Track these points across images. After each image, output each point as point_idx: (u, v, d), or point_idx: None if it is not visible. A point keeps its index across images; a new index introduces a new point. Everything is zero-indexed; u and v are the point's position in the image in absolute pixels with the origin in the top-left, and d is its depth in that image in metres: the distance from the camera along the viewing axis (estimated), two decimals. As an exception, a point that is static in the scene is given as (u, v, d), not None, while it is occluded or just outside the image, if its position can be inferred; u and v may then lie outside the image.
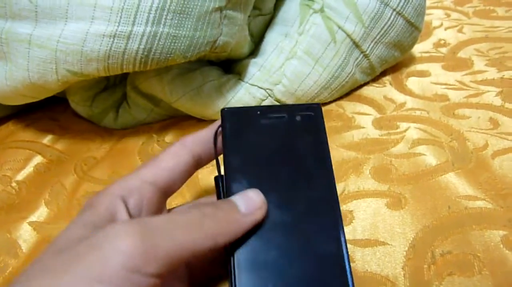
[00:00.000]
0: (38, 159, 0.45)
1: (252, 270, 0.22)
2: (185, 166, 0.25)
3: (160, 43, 0.34)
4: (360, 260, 0.29)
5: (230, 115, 0.27)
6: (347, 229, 0.31)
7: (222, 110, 0.27)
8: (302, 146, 0.26)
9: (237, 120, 0.27)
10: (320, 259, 0.23)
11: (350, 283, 0.22)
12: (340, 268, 0.23)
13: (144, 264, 0.18)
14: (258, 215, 0.22)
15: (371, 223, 0.31)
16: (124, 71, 0.36)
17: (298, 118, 0.27)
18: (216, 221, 0.21)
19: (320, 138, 0.26)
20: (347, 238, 0.30)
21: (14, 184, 0.42)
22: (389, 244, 0.30)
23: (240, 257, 0.22)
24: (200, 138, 0.26)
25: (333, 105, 0.46)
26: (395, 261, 0.28)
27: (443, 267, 0.28)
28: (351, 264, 0.28)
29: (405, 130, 0.40)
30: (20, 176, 0.43)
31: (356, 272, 0.28)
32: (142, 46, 0.34)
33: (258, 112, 0.27)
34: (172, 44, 0.34)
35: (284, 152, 0.25)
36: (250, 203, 0.23)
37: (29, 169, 0.44)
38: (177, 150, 0.25)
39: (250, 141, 0.26)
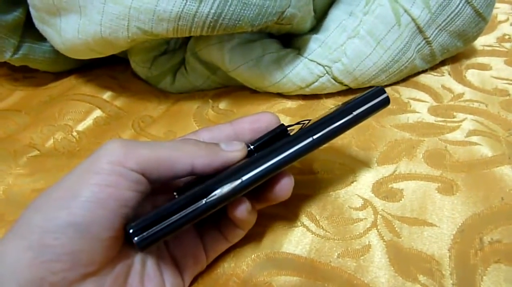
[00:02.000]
0: (97, 113, 0.47)
1: None
2: None
3: (231, 9, 0.35)
4: (407, 237, 0.29)
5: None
6: (395, 206, 0.32)
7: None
8: None
9: None
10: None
11: None
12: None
13: (126, 160, 0.22)
14: (237, 154, 0.26)
15: (420, 203, 0.32)
16: (192, 34, 0.37)
17: None
18: (197, 147, 0.25)
19: None
20: (395, 213, 0.31)
21: (74, 133, 0.44)
22: (437, 226, 0.30)
23: None
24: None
25: (388, 89, 0.46)
26: (442, 243, 0.29)
27: (491, 254, 0.28)
28: (397, 239, 0.29)
29: (461, 121, 0.40)
30: (81, 127, 0.45)
31: (401, 248, 0.29)
32: (213, 11, 0.35)
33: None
34: (242, 11, 0.35)
35: None
36: (231, 145, 0.26)
37: (89, 121, 0.46)
38: None
39: None
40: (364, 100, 0.27)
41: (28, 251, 0.20)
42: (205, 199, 0.23)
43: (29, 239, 0.20)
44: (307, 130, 0.25)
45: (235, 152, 0.26)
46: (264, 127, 0.28)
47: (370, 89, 0.27)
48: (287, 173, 0.26)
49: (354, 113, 0.26)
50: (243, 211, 0.25)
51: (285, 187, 0.26)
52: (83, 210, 0.21)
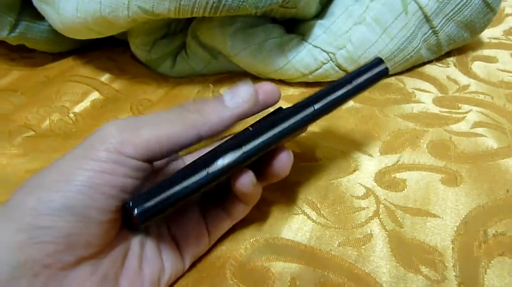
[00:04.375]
0: (95, 95, 0.46)
1: None
2: None
3: (235, -11, 0.34)
4: (409, 227, 0.29)
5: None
6: (398, 195, 0.31)
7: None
8: None
9: None
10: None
11: None
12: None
13: (123, 147, 0.21)
14: (244, 107, 0.23)
15: (424, 194, 0.31)
16: (194, 15, 0.36)
17: None
18: (198, 113, 0.23)
19: None
20: (397, 203, 0.30)
21: (71, 115, 0.43)
22: (440, 217, 0.29)
23: None
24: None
25: (393, 79, 0.45)
26: (445, 234, 0.28)
27: (495, 246, 0.27)
28: (400, 229, 0.28)
29: (466, 112, 0.39)
30: (78, 108, 0.44)
31: (404, 238, 0.28)
32: (216, -10, 0.34)
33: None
34: (246, -9, 0.34)
35: None
36: (236, 95, 0.24)
37: (86, 102, 0.45)
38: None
39: None
40: (364, 70, 0.27)
41: (20, 233, 0.19)
42: (207, 169, 0.22)
43: (22, 221, 0.19)
44: (308, 101, 0.25)
45: (243, 105, 0.23)
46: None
47: (369, 61, 0.28)
48: (285, 148, 0.25)
49: (354, 82, 0.26)
50: (248, 183, 0.24)
51: (284, 162, 0.25)
52: (78, 194, 0.20)
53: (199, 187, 0.22)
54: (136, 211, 0.21)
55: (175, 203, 0.22)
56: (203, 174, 0.22)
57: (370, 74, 0.27)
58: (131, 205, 0.21)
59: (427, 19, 0.42)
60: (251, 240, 0.29)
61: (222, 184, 0.25)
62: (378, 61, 0.27)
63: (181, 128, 0.22)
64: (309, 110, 0.25)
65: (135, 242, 0.24)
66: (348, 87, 0.26)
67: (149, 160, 0.22)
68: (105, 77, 0.49)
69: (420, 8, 0.42)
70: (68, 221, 0.20)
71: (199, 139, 0.23)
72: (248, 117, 0.24)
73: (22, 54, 0.55)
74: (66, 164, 0.21)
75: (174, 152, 0.22)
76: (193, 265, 0.27)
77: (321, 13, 0.45)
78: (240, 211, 0.27)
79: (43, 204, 0.20)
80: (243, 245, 0.28)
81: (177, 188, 0.21)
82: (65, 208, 0.20)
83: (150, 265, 0.24)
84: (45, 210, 0.19)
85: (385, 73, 0.27)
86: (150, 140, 0.21)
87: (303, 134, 0.32)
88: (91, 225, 0.20)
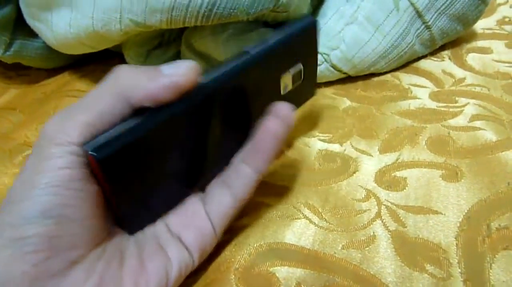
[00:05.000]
0: (93, 109, 0.46)
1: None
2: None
3: (225, -3, 0.34)
4: (412, 226, 0.29)
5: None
6: (399, 195, 0.31)
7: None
8: None
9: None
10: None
11: None
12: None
13: (69, 136, 0.20)
14: (180, 77, 0.22)
15: (425, 191, 0.31)
16: (186, 25, 0.36)
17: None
18: (129, 79, 0.22)
19: None
20: (399, 203, 0.30)
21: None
22: (442, 214, 0.29)
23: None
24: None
25: (388, 76, 0.45)
26: (448, 231, 0.28)
27: (499, 240, 0.27)
28: (402, 229, 0.28)
29: (464, 106, 0.39)
30: (76, 123, 0.44)
31: (407, 237, 0.28)
32: (206, 0, 0.34)
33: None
34: (237, -1, 0.34)
35: None
36: (175, 66, 0.22)
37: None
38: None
39: None
40: (293, 24, 0.30)
41: (3, 250, 0.19)
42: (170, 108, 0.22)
43: (1, 238, 0.19)
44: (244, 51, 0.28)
45: (180, 75, 0.22)
46: None
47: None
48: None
49: (285, 32, 0.29)
50: (288, 109, 0.26)
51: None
52: (47, 196, 0.20)
53: (168, 120, 0.22)
54: (95, 155, 0.20)
55: (142, 144, 0.21)
56: (167, 110, 0.22)
57: (299, 25, 0.30)
58: (85, 147, 0.20)
59: (419, 14, 0.42)
60: (255, 245, 0.29)
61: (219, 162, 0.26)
62: (306, 16, 0.32)
63: (110, 101, 0.21)
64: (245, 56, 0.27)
65: (131, 242, 0.24)
66: (280, 36, 0.29)
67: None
68: (101, 91, 0.49)
69: (411, 4, 0.42)
70: (45, 225, 0.19)
71: (130, 106, 0.22)
72: (187, 89, 0.22)
73: (18, 72, 0.55)
74: (26, 173, 0.21)
75: (116, 124, 0.21)
76: (197, 271, 0.27)
77: (312, 15, 0.45)
78: (243, 182, 0.26)
79: (16, 215, 0.19)
80: (247, 251, 0.28)
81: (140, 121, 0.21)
82: (39, 213, 0.19)
83: (153, 261, 0.23)
84: (19, 220, 0.19)
85: (313, 25, 0.31)
86: (83, 123, 0.21)
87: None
88: (70, 224, 0.20)
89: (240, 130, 0.28)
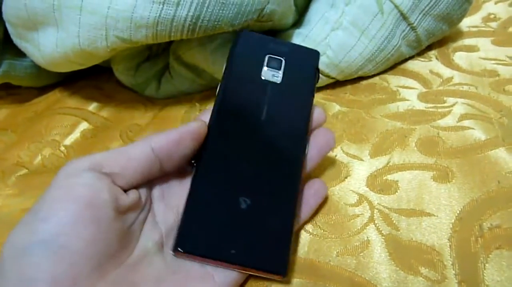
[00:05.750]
0: (84, 125, 0.47)
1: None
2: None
3: (209, 10, 0.34)
4: (405, 229, 0.29)
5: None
6: (391, 198, 0.31)
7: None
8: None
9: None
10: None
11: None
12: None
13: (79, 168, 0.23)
14: (194, 125, 0.27)
15: (417, 194, 0.31)
16: (172, 38, 0.36)
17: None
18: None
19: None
20: (391, 206, 0.30)
21: (62, 148, 0.43)
22: (435, 215, 0.29)
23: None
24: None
25: (376, 78, 0.45)
26: (441, 232, 0.28)
27: (491, 240, 0.27)
28: (396, 232, 0.29)
29: (452, 105, 0.39)
30: (68, 141, 0.44)
31: (400, 241, 0.28)
32: (191, 13, 0.34)
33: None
34: (221, 11, 0.34)
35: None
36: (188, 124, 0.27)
37: (76, 134, 0.45)
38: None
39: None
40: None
41: None
42: None
43: (9, 274, 0.20)
44: None
45: (193, 124, 0.27)
46: None
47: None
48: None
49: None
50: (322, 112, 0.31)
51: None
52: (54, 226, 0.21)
53: None
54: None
55: None
56: None
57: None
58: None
59: (403, 16, 0.43)
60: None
61: None
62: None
63: (136, 143, 0.25)
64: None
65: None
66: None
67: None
68: (92, 106, 0.50)
69: (396, 6, 0.42)
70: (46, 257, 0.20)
71: (155, 154, 0.25)
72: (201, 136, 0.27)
73: (9, 91, 0.55)
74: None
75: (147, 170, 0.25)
76: None
77: (298, 22, 0.46)
78: None
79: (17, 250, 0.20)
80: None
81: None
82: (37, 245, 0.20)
83: None
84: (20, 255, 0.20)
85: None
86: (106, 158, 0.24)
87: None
88: (72, 257, 0.21)
89: None
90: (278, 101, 0.30)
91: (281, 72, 0.31)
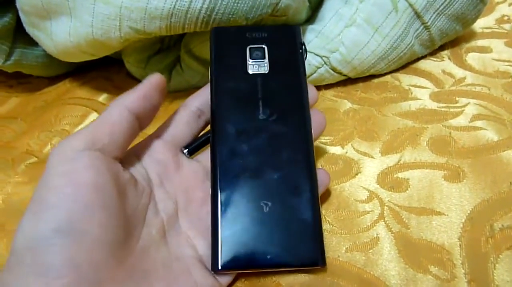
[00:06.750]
0: (94, 116, 0.47)
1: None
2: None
3: (224, 3, 0.34)
4: (415, 227, 0.29)
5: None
6: (402, 196, 0.31)
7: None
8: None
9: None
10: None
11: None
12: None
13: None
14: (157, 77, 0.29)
15: (427, 192, 0.31)
16: (185, 30, 0.36)
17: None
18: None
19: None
20: (402, 204, 0.30)
21: (72, 138, 0.43)
22: (445, 215, 0.29)
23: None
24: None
25: (388, 77, 0.45)
26: (451, 231, 0.28)
27: (502, 240, 0.27)
28: (406, 230, 0.28)
29: (464, 106, 0.39)
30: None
31: (410, 239, 0.28)
32: (205, 6, 0.34)
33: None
34: (235, 4, 0.34)
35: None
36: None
37: (85, 124, 0.45)
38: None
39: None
40: None
41: (30, 276, 0.19)
42: None
43: (25, 263, 0.19)
44: None
45: (152, 77, 0.28)
46: None
47: None
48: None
49: None
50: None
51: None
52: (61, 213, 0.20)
53: None
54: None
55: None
56: None
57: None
58: None
59: (417, 15, 0.43)
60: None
61: None
62: None
63: (109, 109, 0.25)
64: None
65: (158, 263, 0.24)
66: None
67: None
68: (102, 97, 0.50)
69: (410, 5, 0.42)
70: (61, 244, 0.20)
71: (135, 116, 0.26)
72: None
73: (19, 80, 0.55)
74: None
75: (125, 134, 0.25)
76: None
77: (311, 18, 0.45)
78: None
79: (32, 235, 0.20)
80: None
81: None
82: (52, 232, 0.20)
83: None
84: (34, 243, 0.20)
85: None
86: (93, 132, 0.24)
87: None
88: (89, 242, 0.21)
89: None
90: (272, 93, 0.29)
91: (266, 61, 0.30)
